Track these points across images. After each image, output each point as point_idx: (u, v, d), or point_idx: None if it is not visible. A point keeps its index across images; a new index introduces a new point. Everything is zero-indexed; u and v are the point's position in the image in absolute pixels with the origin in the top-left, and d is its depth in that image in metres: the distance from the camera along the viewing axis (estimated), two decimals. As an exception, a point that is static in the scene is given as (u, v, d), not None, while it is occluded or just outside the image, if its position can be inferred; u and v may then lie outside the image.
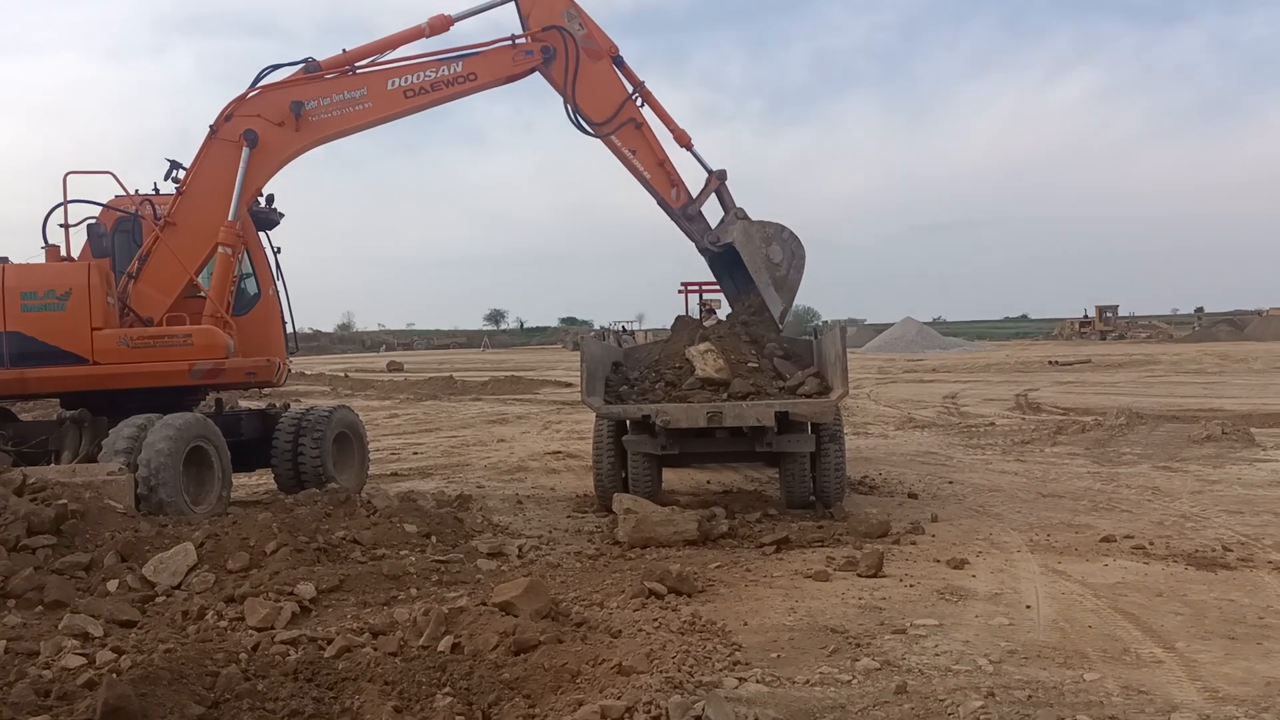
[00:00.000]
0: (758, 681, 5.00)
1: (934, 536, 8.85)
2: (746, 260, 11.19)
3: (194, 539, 7.62)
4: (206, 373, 10.10)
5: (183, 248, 10.70)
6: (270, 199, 12.01)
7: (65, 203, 10.47)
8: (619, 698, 4.53)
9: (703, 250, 11.46)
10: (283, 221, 12.20)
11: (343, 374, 42.22)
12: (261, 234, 11.79)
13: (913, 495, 11.19)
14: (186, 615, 6.56)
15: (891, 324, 72.69)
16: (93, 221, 10.72)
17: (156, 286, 10.65)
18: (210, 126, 10.95)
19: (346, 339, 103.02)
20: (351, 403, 28.72)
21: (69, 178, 10.44)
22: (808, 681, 5.03)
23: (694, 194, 11.40)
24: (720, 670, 5.14)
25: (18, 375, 9.86)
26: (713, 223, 11.42)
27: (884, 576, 7.31)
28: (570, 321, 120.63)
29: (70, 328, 9.84)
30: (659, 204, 11.41)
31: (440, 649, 5.47)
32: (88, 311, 9.89)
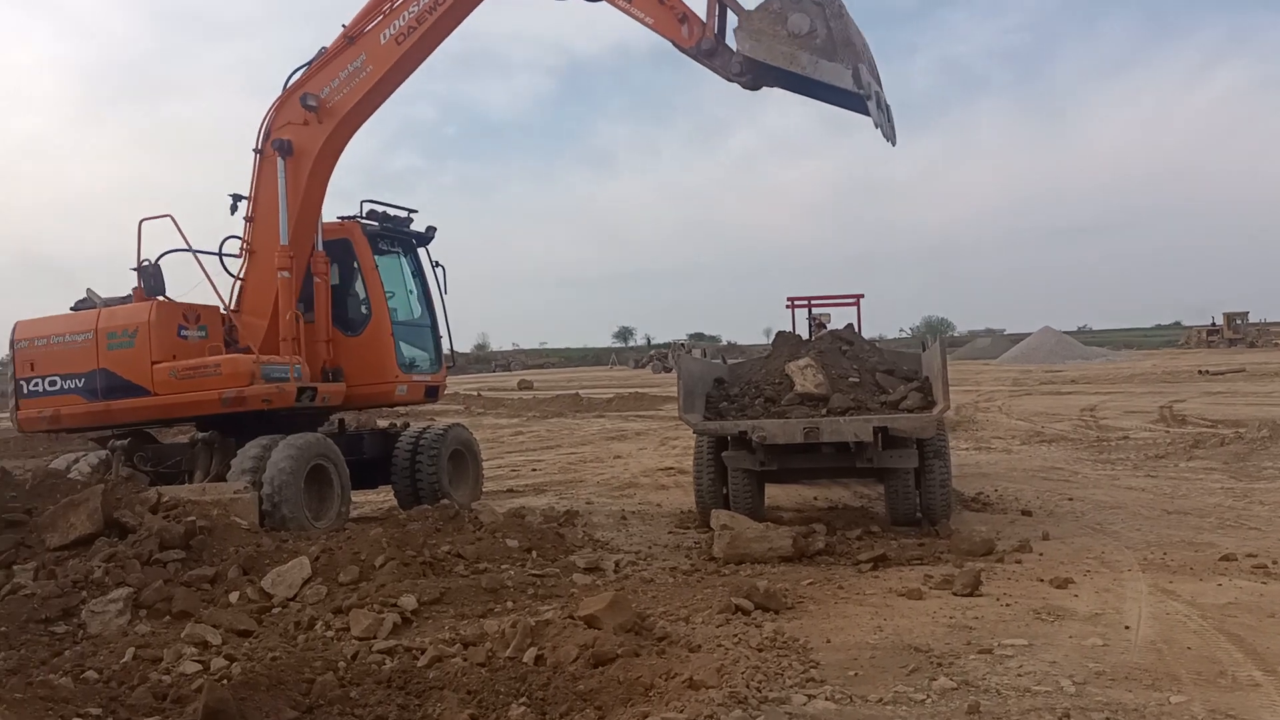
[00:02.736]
0: (827, 699, 5.00)
1: (1041, 555, 8.59)
2: (773, 61, 9.23)
3: (309, 553, 8.03)
4: (233, 400, 10.44)
5: (264, 275, 11.18)
6: (411, 213, 12.56)
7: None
8: (681, 711, 4.62)
9: (741, 83, 9.76)
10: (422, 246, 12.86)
11: (476, 393, 43.51)
12: (391, 252, 12.35)
13: (1026, 512, 10.85)
14: (298, 625, 6.92)
15: (1030, 334, 70.25)
16: (146, 262, 11.15)
17: (255, 315, 11.26)
18: (254, 150, 11.22)
19: (481, 359, 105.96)
20: (482, 420, 29.73)
21: (143, 224, 10.97)
22: (879, 700, 5.00)
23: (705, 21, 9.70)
24: (791, 687, 5.16)
25: (104, 407, 10.73)
26: None
27: (980, 595, 7.15)
28: (699, 337, 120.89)
29: (137, 362, 10.60)
30: (676, 48, 9.86)
31: (525, 660, 5.67)
32: (149, 347, 10.59)
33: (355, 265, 11.98)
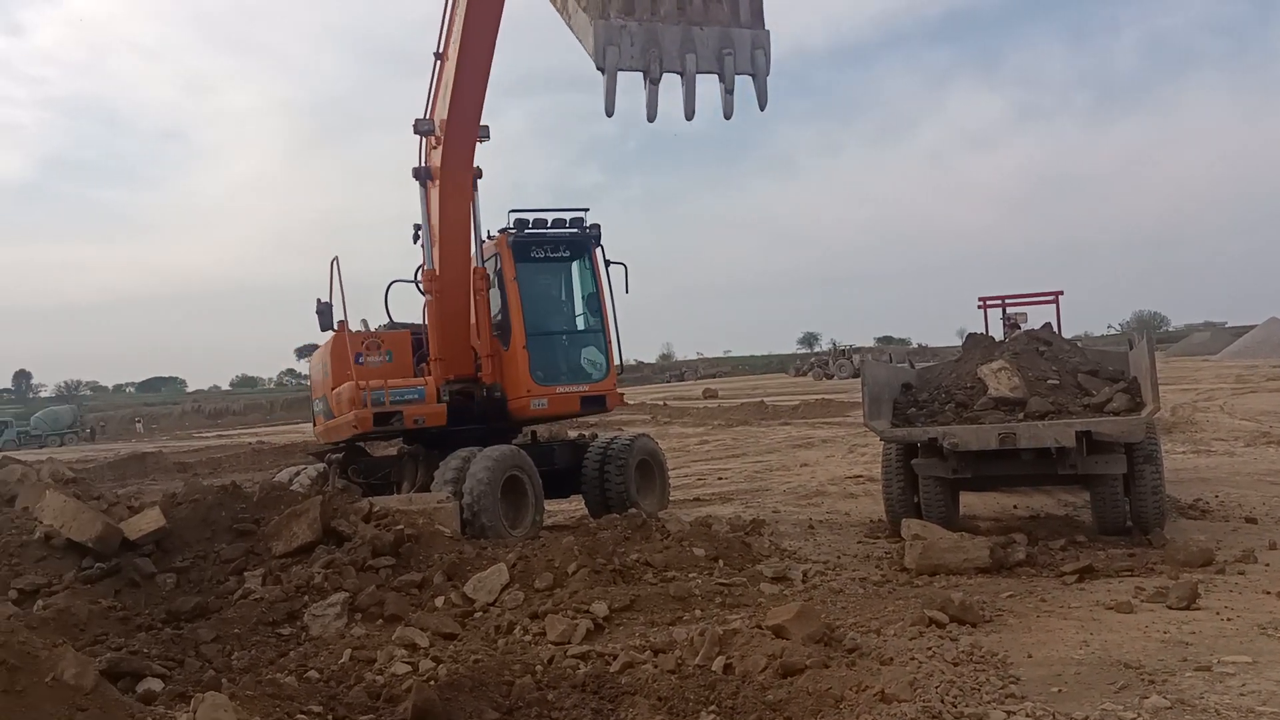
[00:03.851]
0: (1028, 715, 4.80)
1: (1268, 566, 7.94)
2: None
3: (507, 560, 8.36)
4: (348, 424, 11.54)
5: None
6: (580, 218, 12.41)
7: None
8: (872, 724, 4.55)
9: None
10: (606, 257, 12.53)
11: (662, 402, 44.07)
12: (552, 259, 12.45)
13: (1251, 520, 10.04)
14: (498, 630, 7.23)
15: (1254, 326, 64.88)
16: (321, 298, 12.07)
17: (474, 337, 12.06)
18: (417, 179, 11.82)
19: (667, 367, 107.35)
20: (668, 429, 30.09)
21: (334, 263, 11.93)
22: (1085, 718, 4.76)
23: None
24: (989, 702, 4.99)
25: (325, 427, 12.55)
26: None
27: (1198, 609, 6.68)
28: (886, 340, 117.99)
29: (327, 388, 12.28)
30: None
31: (713, 668, 5.73)
32: (328, 374, 12.09)
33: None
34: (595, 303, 12.56)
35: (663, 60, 7.24)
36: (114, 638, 6.79)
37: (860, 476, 15.62)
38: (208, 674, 6.36)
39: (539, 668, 6.06)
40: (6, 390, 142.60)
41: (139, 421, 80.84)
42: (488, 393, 11.92)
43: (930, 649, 6.02)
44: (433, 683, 5.65)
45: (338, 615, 7.46)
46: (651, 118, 7.40)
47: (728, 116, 7.51)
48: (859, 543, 10.23)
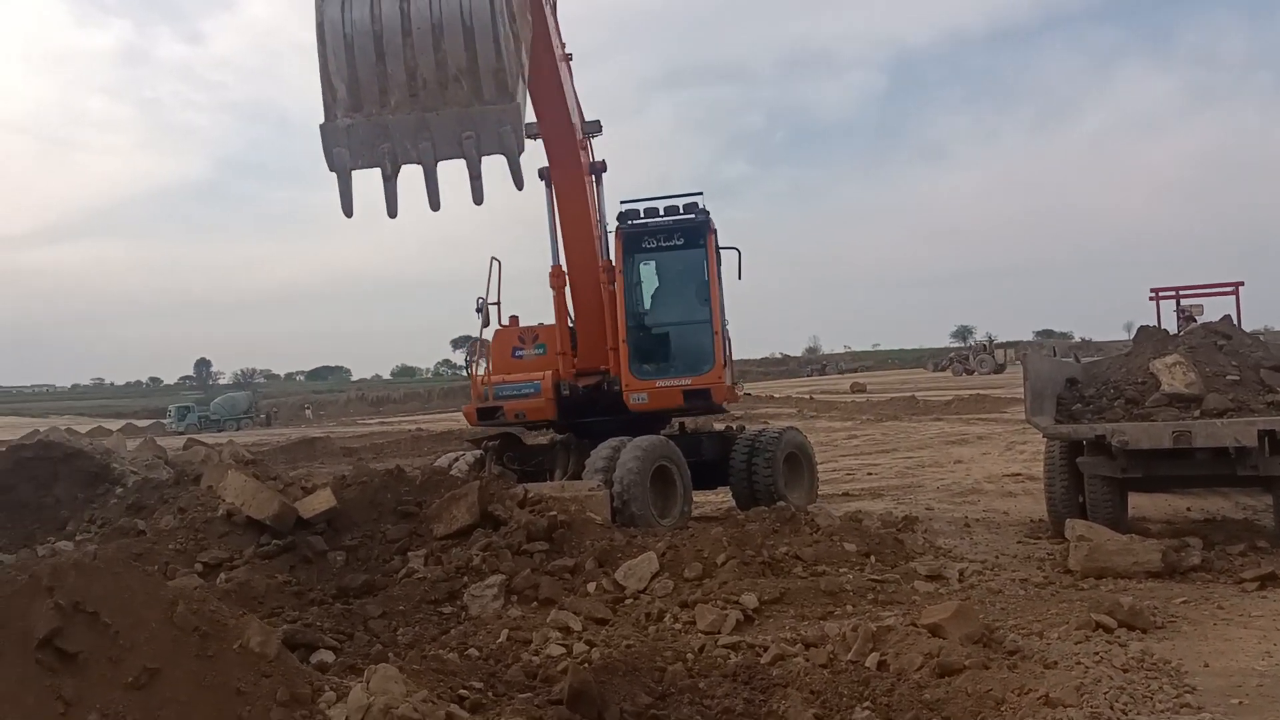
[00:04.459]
0: (1206, 728, 4.56)
1: None
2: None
3: (657, 549, 8.45)
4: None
5: (575, 293, 12.15)
6: (694, 203, 12.09)
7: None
8: (1037, 728, 4.41)
9: None
10: (743, 255, 12.30)
11: (808, 396, 43.62)
12: (665, 248, 12.33)
13: None
14: (648, 617, 7.32)
15: None
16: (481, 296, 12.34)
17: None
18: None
19: (810, 361, 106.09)
20: (815, 424, 29.74)
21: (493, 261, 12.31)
22: (1270, 734, 4.48)
23: None
24: (1162, 711, 4.75)
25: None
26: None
27: (1397, 624, 6.18)
28: (1046, 334, 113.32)
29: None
30: None
31: (867, 664, 5.66)
32: (490, 367, 12.39)
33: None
34: (706, 292, 12.02)
35: (395, 154, 6.85)
36: (289, 611, 7.22)
37: (1019, 474, 15.06)
38: (375, 648, 6.69)
39: (690, 656, 6.12)
40: (189, 378, 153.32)
41: (308, 408, 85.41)
42: (608, 386, 12.01)
43: (1097, 654, 5.77)
44: (587, 665, 5.78)
45: (495, 596, 7.71)
46: (392, 214, 7.08)
47: (478, 202, 7.04)
48: (1018, 543, 9.88)
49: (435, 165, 6.90)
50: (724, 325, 12.03)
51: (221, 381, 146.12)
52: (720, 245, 12.16)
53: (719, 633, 6.75)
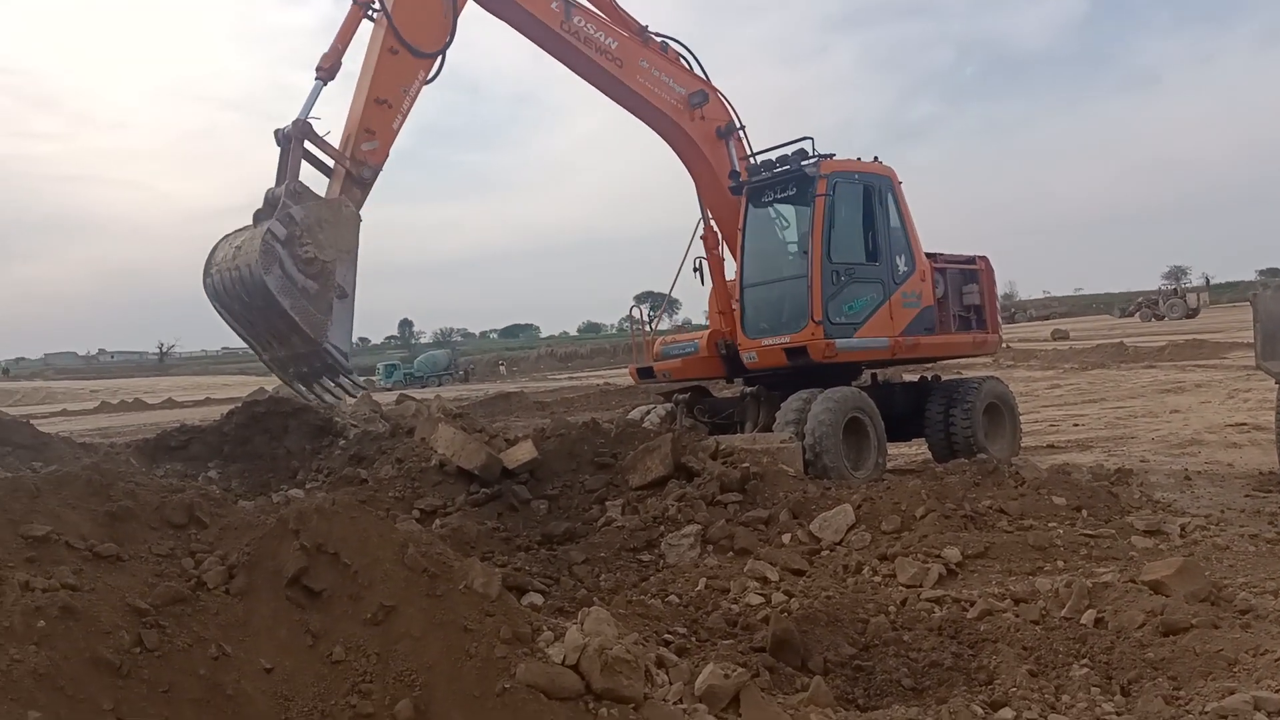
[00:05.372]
0: None
1: None
2: None
3: (852, 501, 8.35)
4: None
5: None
6: (802, 150, 11.57)
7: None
8: (1278, 691, 4.12)
9: None
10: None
11: (1005, 345, 41.76)
12: (780, 199, 12.21)
13: None
14: (846, 569, 7.27)
15: None
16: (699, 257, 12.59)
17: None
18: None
19: (1002, 308, 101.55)
20: (1013, 373, 28.52)
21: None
22: None
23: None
24: None
25: None
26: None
27: None
28: (1272, 273, 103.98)
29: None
30: None
31: (1082, 621, 5.45)
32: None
33: None
34: (807, 244, 11.40)
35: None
36: (499, 555, 7.59)
37: (1244, 424, 13.99)
38: (580, 592, 6.94)
39: (892, 609, 6.04)
40: (393, 337, 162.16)
41: (502, 364, 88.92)
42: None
43: (1348, 616, 5.32)
44: (788, 615, 5.81)
45: (691, 546, 7.84)
46: None
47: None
48: (1246, 496, 9.22)
49: None
50: (823, 278, 11.14)
51: (423, 340, 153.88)
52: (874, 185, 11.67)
53: (921, 586, 6.62)
